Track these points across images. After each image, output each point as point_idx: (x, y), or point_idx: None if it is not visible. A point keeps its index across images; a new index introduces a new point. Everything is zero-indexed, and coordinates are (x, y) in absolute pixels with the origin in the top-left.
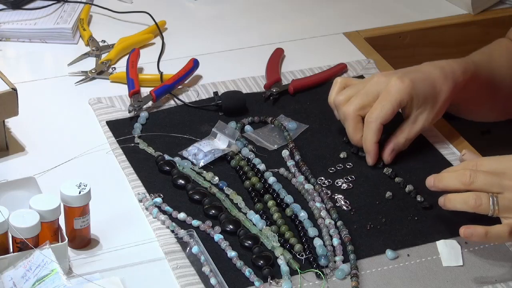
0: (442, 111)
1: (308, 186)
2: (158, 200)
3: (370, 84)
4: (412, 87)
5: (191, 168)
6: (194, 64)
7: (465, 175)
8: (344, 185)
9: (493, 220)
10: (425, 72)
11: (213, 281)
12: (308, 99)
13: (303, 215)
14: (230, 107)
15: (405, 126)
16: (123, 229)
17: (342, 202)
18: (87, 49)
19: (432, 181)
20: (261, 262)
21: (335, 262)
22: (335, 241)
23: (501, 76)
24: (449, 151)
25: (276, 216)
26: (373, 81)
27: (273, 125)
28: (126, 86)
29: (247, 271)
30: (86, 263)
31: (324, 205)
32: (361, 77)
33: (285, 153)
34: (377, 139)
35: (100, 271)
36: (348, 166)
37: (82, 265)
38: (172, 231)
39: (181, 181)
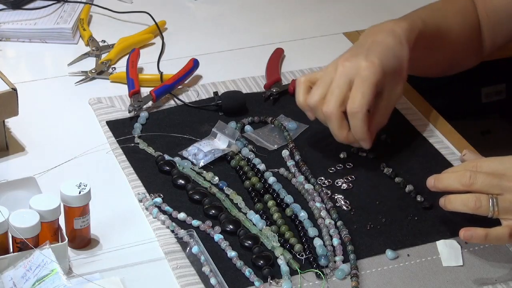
0: (406, 75)
1: (308, 186)
2: (158, 200)
3: (338, 75)
4: (382, 64)
5: (191, 168)
6: (194, 64)
7: (465, 176)
8: (344, 185)
9: (493, 220)
10: (383, 43)
11: (213, 281)
12: None
13: (303, 215)
14: (230, 107)
15: (381, 103)
16: (123, 229)
17: (342, 202)
18: (87, 49)
19: (433, 182)
20: (261, 262)
21: (335, 262)
22: (335, 241)
23: (449, 33)
24: (449, 151)
25: (276, 216)
26: (340, 71)
27: (273, 125)
28: (126, 86)
29: (247, 271)
30: (86, 263)
31: (324, 205)
32: None
33: (285, 153)
34: (367, 126)
35: (100, 271)
36: (348, 166)
37: (82, 265)
38: (172, 231)
39: (181, 181)
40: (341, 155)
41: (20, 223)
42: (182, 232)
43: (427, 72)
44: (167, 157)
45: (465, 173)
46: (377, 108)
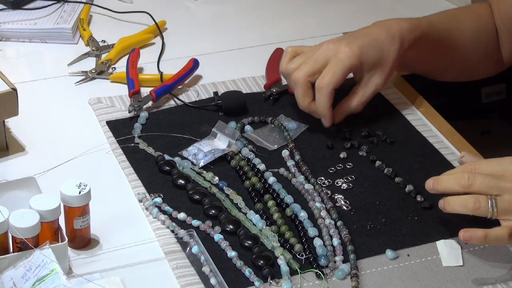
0: (393, 71)
1: (308, 186)
2: (158, 200)
3: (319, 51)
4: (361, 52)
5: (191, 168)
6: (194, 64)
7: (463, 177)
8: (344, 185)
9: (493, 220)
10: (372, 35)
11: (213, 281)
12: None
13: (303, 215)
14: (230, 107)
15: (357, 89)
16: (123, 229)
17: (342, 202)
18: (87, 49)
19: (431, 184)
20: (261, 262)
21: (335, 262)
22: (335, 241)
23: (461, 38)
24: (449, 151)
25: (276, 216)
26: (322, 49)
27: (273, 125)
28: (126, 86)
29: (247, 271)
30: (86, 263)
31: (324, 205)
32: None
33: (285, 153)
34: (331, 103)
35: (100, 271)
36: (348, 166)
37: (82, 265)
38: (172, 231)
39: (181, 181)
40: (341, 155)
41: (20, 223)
42: (182, 232)
43: (438, 75)
44: (167, 157)
45: (464, 175)
46: (353, 92)
